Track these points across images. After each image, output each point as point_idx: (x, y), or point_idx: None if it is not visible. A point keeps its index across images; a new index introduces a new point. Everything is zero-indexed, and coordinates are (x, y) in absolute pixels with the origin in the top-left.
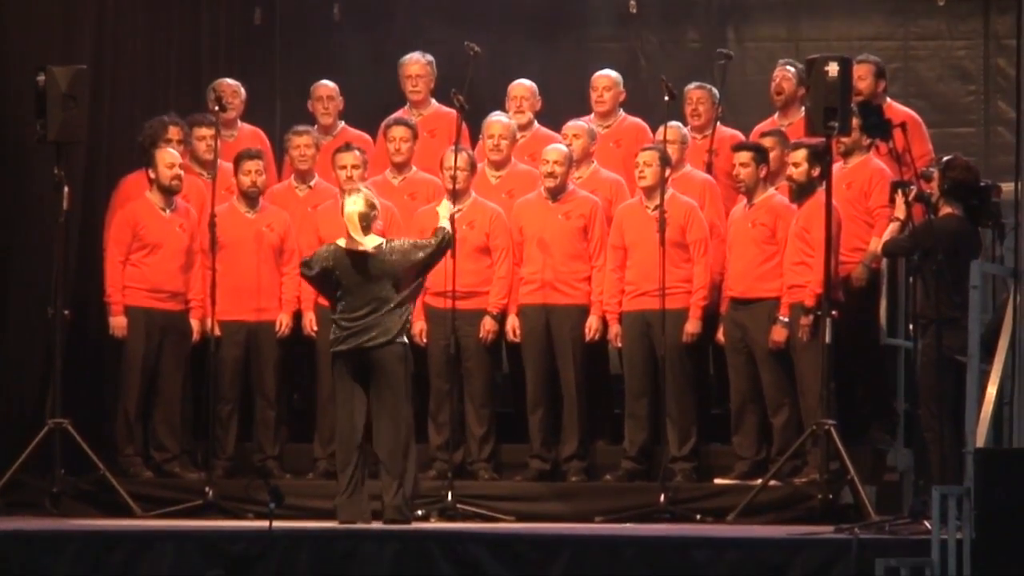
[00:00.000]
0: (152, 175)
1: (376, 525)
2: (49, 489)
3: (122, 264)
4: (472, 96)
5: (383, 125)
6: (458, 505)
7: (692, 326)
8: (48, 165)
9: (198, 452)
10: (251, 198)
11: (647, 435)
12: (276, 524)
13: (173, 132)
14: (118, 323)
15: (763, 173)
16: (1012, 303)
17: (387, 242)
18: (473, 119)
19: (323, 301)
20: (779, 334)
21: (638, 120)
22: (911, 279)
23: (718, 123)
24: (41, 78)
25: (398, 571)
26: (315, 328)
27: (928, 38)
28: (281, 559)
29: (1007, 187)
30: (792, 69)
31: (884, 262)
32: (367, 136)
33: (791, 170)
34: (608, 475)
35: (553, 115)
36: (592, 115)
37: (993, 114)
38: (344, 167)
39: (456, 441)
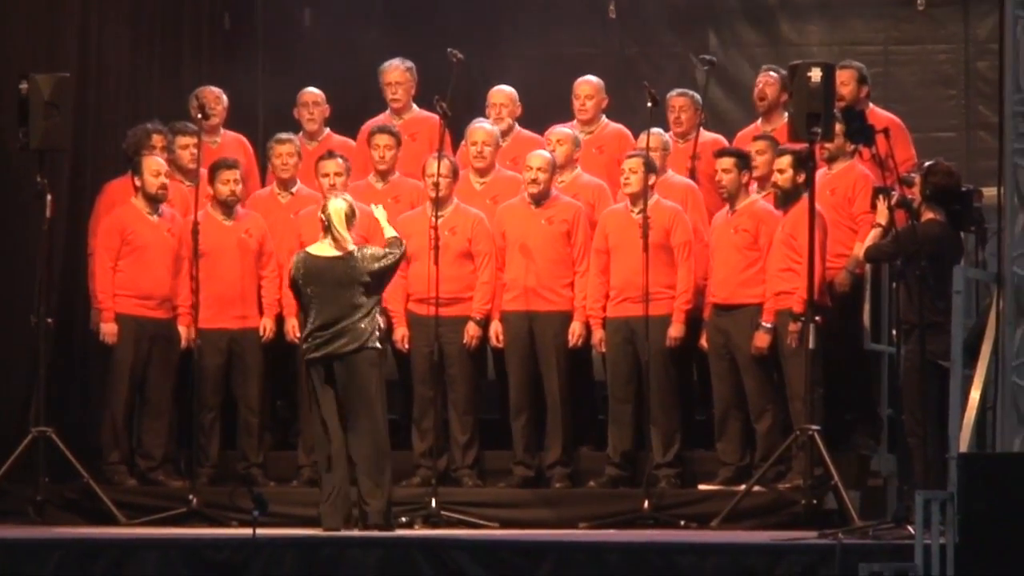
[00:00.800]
0: (138, 183)
1: (360, 532)
2: (33, 497)
3: (111, 270)
4: (454, 102)
5: (366, 131)
6: (442, 512)
7: (675, 330)
8: (31, 173)
9: (181, 460)
10: (228, 206)
11: (631, 441)
12: (260, 531)
13: (156, 140)
14: (109, 329)
15: (745, 179)
16: (995, 308)
17: (359, 249)
18: (454, 125)
19: None
20: (762, 340)
21: (620, 126)
22: (894, 284)
23: (700, 128)
24: (24, 86)
25: None
26: (298, 334)
27: (909, 43)
28: (265, 566)
29: (989, 192)
30: (775, 75)
31: (867, 268)
32: (352, 143)
33: (776, 176)
34: (592, 481)
35: (535, 123)
36: (575, 121)
37: (974, 118)
38: (327, 175)
39: (440, 448)
